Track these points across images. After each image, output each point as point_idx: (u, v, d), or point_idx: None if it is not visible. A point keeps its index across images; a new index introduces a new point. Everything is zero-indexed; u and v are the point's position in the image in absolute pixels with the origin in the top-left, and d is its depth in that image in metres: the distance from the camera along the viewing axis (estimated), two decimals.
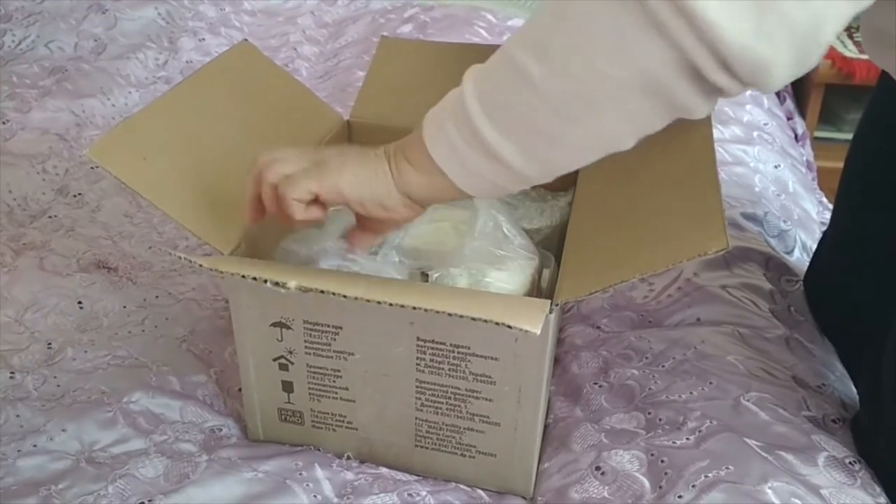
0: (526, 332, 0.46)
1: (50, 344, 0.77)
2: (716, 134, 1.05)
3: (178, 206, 0.62)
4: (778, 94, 1.31)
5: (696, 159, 0.61)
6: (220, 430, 0.69)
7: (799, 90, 1.36)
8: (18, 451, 0.65)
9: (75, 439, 0.66)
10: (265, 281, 0.53)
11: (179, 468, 0.64)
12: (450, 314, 0.48)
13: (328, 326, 0.60)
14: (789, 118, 1.25)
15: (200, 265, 0.56)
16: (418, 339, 0.58)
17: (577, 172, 0.75)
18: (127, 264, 0.89)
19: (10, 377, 0.73)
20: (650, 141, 0.72)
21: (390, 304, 0.50)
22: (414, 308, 0.50)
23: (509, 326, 0.47)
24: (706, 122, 0.66)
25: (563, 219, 0.75)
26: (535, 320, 0.47)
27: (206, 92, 0.71)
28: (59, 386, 0.72)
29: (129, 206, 0.99)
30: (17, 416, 0.69)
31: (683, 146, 0.64)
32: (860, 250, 0.76)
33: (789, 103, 1.28)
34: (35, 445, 0.66)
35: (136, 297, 0.83)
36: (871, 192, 0.74)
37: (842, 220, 0.80)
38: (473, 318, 0.47)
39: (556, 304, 0.55)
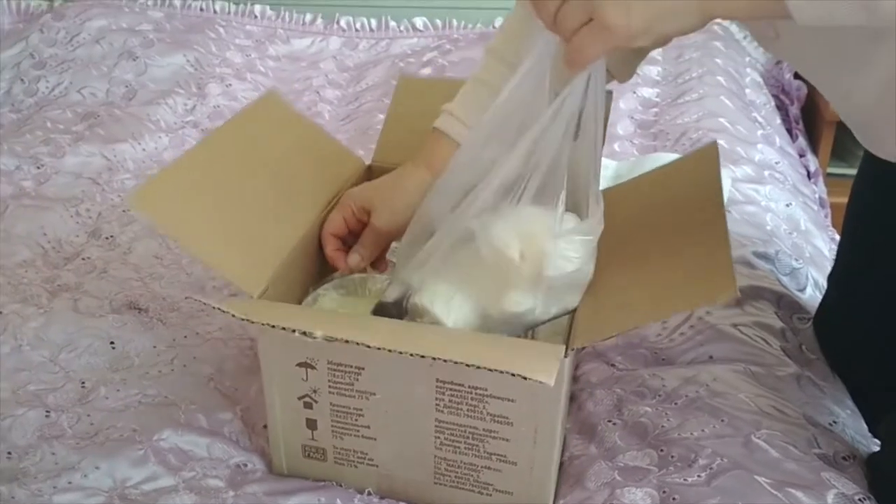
0: (541, 383, 0.49)
1: (83, 383, 0.80)
2: (728, 173, 1.07)
3: (210, 250, 0.66)
4: (790, 132, 1.33)
5: (705, 206, 0.63)
6: (246, 465, 0.72)
7: (811, 128, 1.39)
8: (54, 487, 0.68)
9: (108, 476, 0.69)
10: (293, 331, 0.56)
11: None
12: (467, 365, 0.51)
13: (351, 367, 0.63)
14: (802, 156, 1.27)
15: (234, 315, 0.59)
16: (438, 380, 0.61)
17: None
18: (157, 305, 0.92)
19: (46, 416, 0.76)
20: (660, 187, 0.75)
21: (411, 355, 0.52)
22: (434, 359, 0.52)
23: (524, 378, 0.49)
24: (715, 169, 0.69)
25: None
26: (550, 370, 0.49)
27: (235, 141, 0.75)
28: (92, 424, 0.75)
29: (159, 248, 1.02)
30: (53, 453, 0.71)
31: (693, 193, 0.67)
32: (865, 288, 0.78)
33: (801, 141, 1.31)
34: (70, 482, 0.68)
35: (165, 338, 0.87)
36: (871, 233, 0.76)
37: (846, 258, 0.82)
38: (490, 370, 0.50)
39: (572, 349, 0.57)
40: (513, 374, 0.49)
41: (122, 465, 0.70)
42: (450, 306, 0.64)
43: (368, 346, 0.53)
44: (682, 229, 0.63)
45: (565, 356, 0.55)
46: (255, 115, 0.79)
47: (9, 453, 0.72)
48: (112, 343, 0.86)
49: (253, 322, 0.59)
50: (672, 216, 0.65)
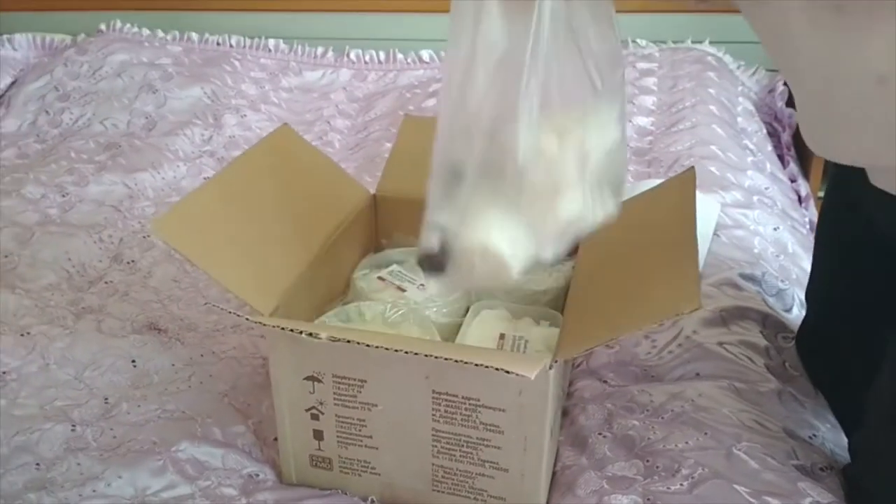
0: (522, 377, 0.54)
1: (107, 399, 0.85)
2: (717, 199, 1.12)
3: (225, 272, 0.71)
4: (781, 158, 1.38)
5: (679, 227, 0.69)
6: (258, 475, 0.76)
7: (802, 154, 1.43)
8: (80, 495, 0.72)
9: (130, 485, 0.74)
10: (301, 332, 0.62)
11: None
12: (456, 360, 0.56)
13: (354, 380, 0.68)
14: (793, 181, 1.32)
15: (247, 318, 0.65)
16: (433, 391, 0.66)
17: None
18: (175, 326, 0.97)
19: (72, 430, 0.81)
20: (641, 210, 0.80)
21: (405, 352, 0.58)
22: (426, 355, 0.58)
23: (507, 371, 0.54)
24: (691, 193, 0.74)
25: (569, 281, 0.82)
26: (532, 368, 0.54)
27: (250, 172, 0.81)
28: (115, 437, 0.80)
29: (177, 272, 1.08)
30: (79, 464, 0.76)
31: (670, 215, 0.72)
32: (835, 303, 0.82)
33: (793, 167, 1.35)
34: (94, 491, 0.73)
35: (183, 356, 0.92)
36: (838, 250, 0.80)
37: (817, 275, 0.86)
38: (476, 365, 0.55)
39: (556, 361, 0.62)
40: (496, 369, 0.54)
41: (142, 474, 0.74)
42: (506, 235, 0.60)
43: (368, 346, 0.58)
44: (658, 248, 0.68)
45: (550, 367, 0.60)
46: (268, 147, 0.85)
47: (37, 464, 0.77)
48: (133, 362, 0.91)
49: (265, 325, 0.64)
50: (650, 237, 0.71)
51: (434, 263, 0.62)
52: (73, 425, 0.81)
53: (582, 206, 0.61)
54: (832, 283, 0.83)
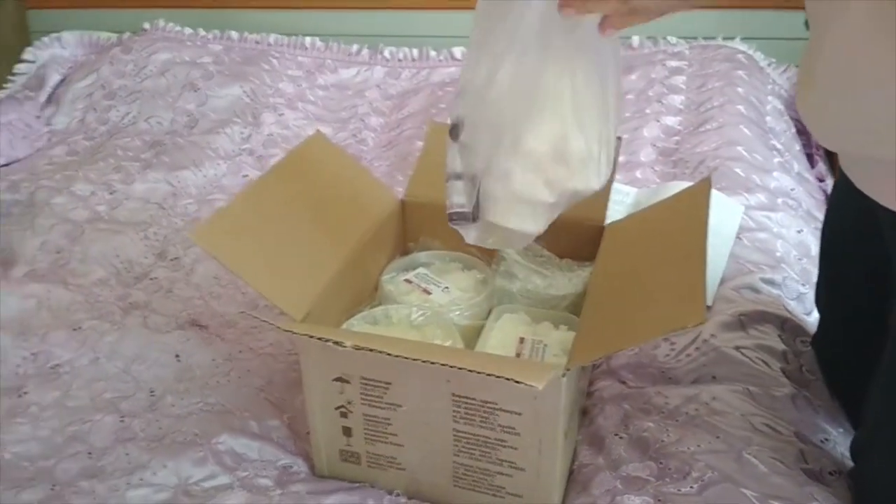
0: (531, 386, 0.57)
1: (152, 392, 0.91)
2: (741, 201, 1.14)
3: (260, 279, 0.76)
4: (810, 157, 1.38)
5: (689, 240, 0.71)
6: (292, 467, 0.81)
7: (831, 152, 1.42)
8: (128, 483, 0.78)
9: (174, 475, 0.79)
10: (328, 340, 0.66)
11: (258, 501, 0.76)
12: (469, 370, 0.60)
13: (380, 382, 0.72)
14: (821, 180, 1.32)
15: (278, 327, 0.70)
16: (454, 394, 0.70)
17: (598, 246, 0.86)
18: (216, 322, 1.03)
19: (121, 421, 0.87)
20: (655, 221, 0.82)
21: (423, 361, 0.62)
22: (442, 365, 0.62)
23: (517, 381, 0.58)
24: (704, 205, 0.76)
25: (587, 287, 0.86)
26: (541, 379, 0.58)
27: (284, 181, 0.85)
28: (160, 428, 0.86)
29: (218, 269, 1.12)
30: (127, 454, 0.82)
31: (682, 227, 0.75)
32: (837, 304, 0.83)
33: (821, 166, 1.35)
34: (141, 479, 0.79)
35: (223, 352, 0.97)
36: (837, 251, 0.82)
37: (822, 277, 0.88)
38: (487, 375, 0.59)
39: (568, 370, 0.66)
40: (507, 378, 0.58)
41: (185, 464, 0.80)
42: (522, 211, 0.71)
43: (389, 354, 0.63)
44: (669, 260, 0.71)
45: (563, 375, 0.63)
46: (301, 155, 0.89)
47: (89, 453, 0.83)
48: (177, 356, 0.97)
49: (294, 333, 0.69)
50: (662, 248, 0.73)
51: (465, 216, 0.71)
52: (122, 417, 0.87)
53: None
54: (834, 287, 0.85)
